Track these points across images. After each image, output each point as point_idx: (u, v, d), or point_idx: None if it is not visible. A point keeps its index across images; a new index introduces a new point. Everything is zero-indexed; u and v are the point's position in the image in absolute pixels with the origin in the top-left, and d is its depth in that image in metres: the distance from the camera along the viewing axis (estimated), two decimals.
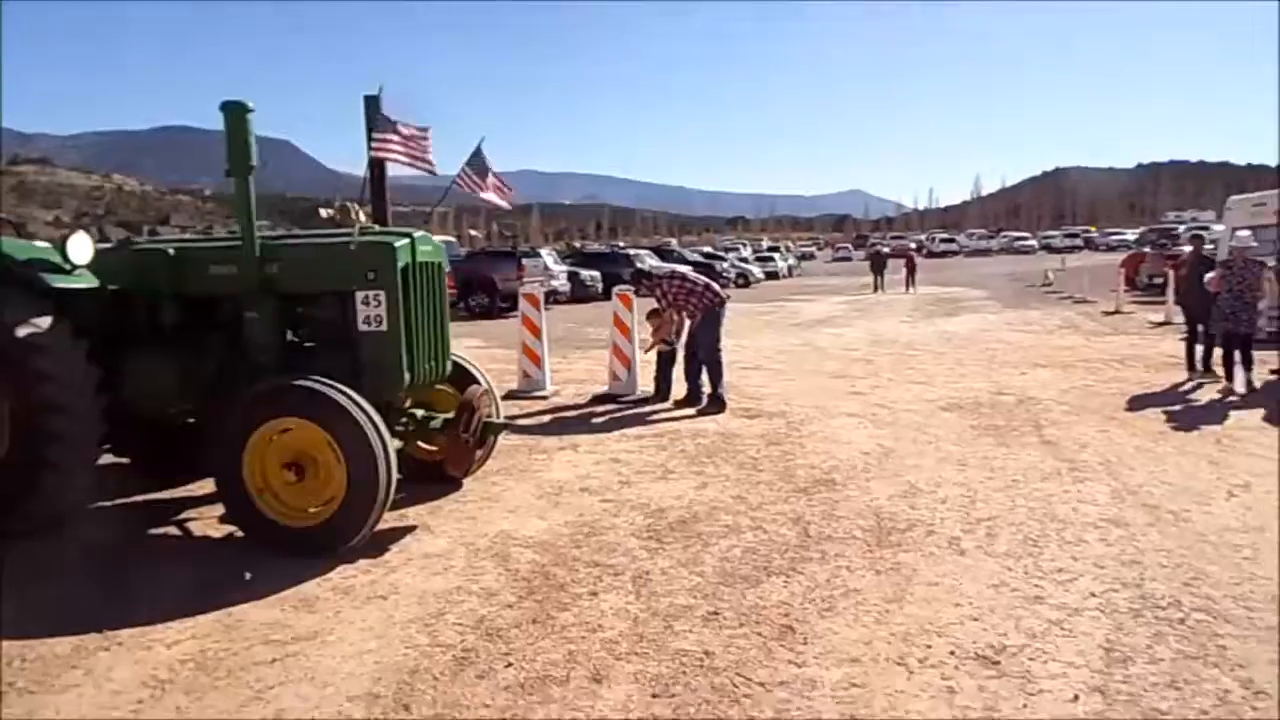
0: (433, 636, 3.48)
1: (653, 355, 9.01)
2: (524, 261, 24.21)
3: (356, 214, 5.18)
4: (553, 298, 22.37)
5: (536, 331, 9.58)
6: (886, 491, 5.52)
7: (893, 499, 5.35)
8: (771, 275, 42.33)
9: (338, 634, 3.51)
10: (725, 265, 36.17)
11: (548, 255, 28.47)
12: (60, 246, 4.75)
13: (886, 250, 36.85)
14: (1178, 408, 8.23)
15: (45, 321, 4.50)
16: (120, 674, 3.18)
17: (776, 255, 49.07)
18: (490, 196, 5.88)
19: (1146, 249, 28.33)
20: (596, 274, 28.07)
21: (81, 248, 4.76)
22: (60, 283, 4.66)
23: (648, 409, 8.58)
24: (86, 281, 4.79)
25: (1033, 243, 77.86)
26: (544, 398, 9.24)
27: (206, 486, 5.70)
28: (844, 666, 3.20)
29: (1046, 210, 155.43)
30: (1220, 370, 9.29)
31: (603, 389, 9.38)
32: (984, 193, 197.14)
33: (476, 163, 5.62)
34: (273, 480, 4.41)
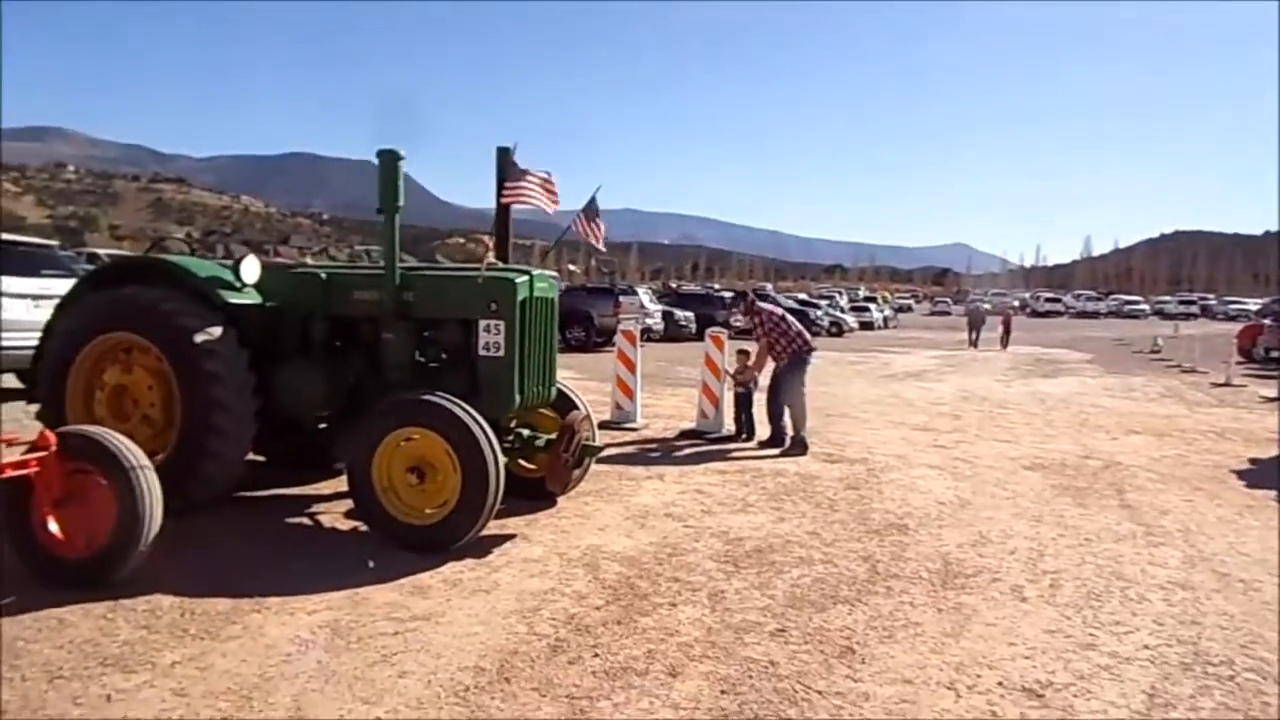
0: (530, 626, 3.96)
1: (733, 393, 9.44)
2: (621, 299, 24.96)
3: (487, 251, 5.79)
4: (646, 335, 22.97)
5: (631, 366, 10.10)
6: (957, 539, 5.76)
7: (962, 546, 5.59)
8: (866, 325, 42.15)
9: (448, 617, 4.02)
10: (819, 313, 36.24)
11: (644, 294, 29.22)
12: (234, 267, 5.52)
13: (986, 307, 36.62)
14: (1272, 484, 8.11)
15: (217, 331, 5.25)
16: (271, 632, 3.76)
17: (872, 306, 48.82)
18: (592, 239, 6.45)
19: (1266, 320, 27.18)
20: (690, 314, 28.70)
21: (251, 269, 5.52)
22: (231, 298, 5.41)
23: (732, 447, 8.96)
24: (252, 298, 5.54)
25: (1144, 307, 75.08)
26: (634, 429, 9.72)
27: (330, 486, 6.38)
28: (896, 685, 3.52)
29: (1162, 274, 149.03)
30: None
31: (690, 425, 9.81)
32: (1094, 253, 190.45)
33: (590, 208, 6.20)
34: (397, 482, 4.99)
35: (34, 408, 5.67)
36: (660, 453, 8.57)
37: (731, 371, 9.48)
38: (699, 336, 26.83)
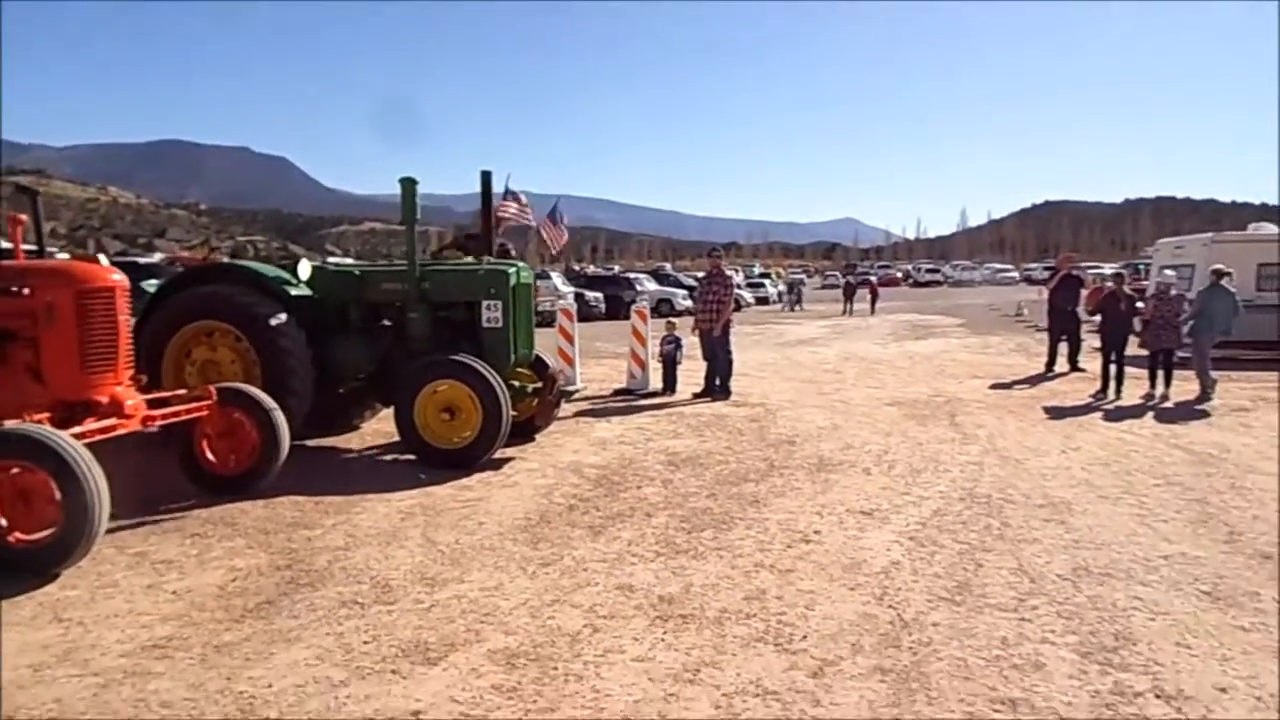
0: (549, 500, 6.00)
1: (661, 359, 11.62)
2: (537, 283, 26.77)
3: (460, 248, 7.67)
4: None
5: (569, 338, 12.08)
6: (829, 447, 8.04)
7: (832, 451, 7.87)
8: (762, 301, 45.01)
9: (493, 500, 6.01)
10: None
11: (557, 278, 31.09)
12: (291, 268, 7.28)
13: (855, 280, 41.58)
14: (1067, 407, 10.72)
15: (284, 316, 7.01)
16: (380, 510, 5.68)
17: (767, 282, 51.76)
18: (553, 237, 8.43)
19: (1108, 283, 30.99)
20: (600, 295, 30.74)
21: (304, 269, 7.31)
22: (292, 291, 7.18)
23: (658, 400, 11.09)
24: (305, 291, 7.32)
25: (1015, 274, 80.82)
26: (575, 391, 11.71)
27: (356, 438, 8.19)
28: (784, 514, 5.72)
29: (1031, 243, 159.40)
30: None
31: (621, 385, 11.90)
32: (970, 224, 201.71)
33: (553, 214, 8.19)
34: (431, 420, 6.90)
35: None
36: (603, 405, 10.64)
37: (659, 350, 11.62)
38: (608, 316, 28.97)
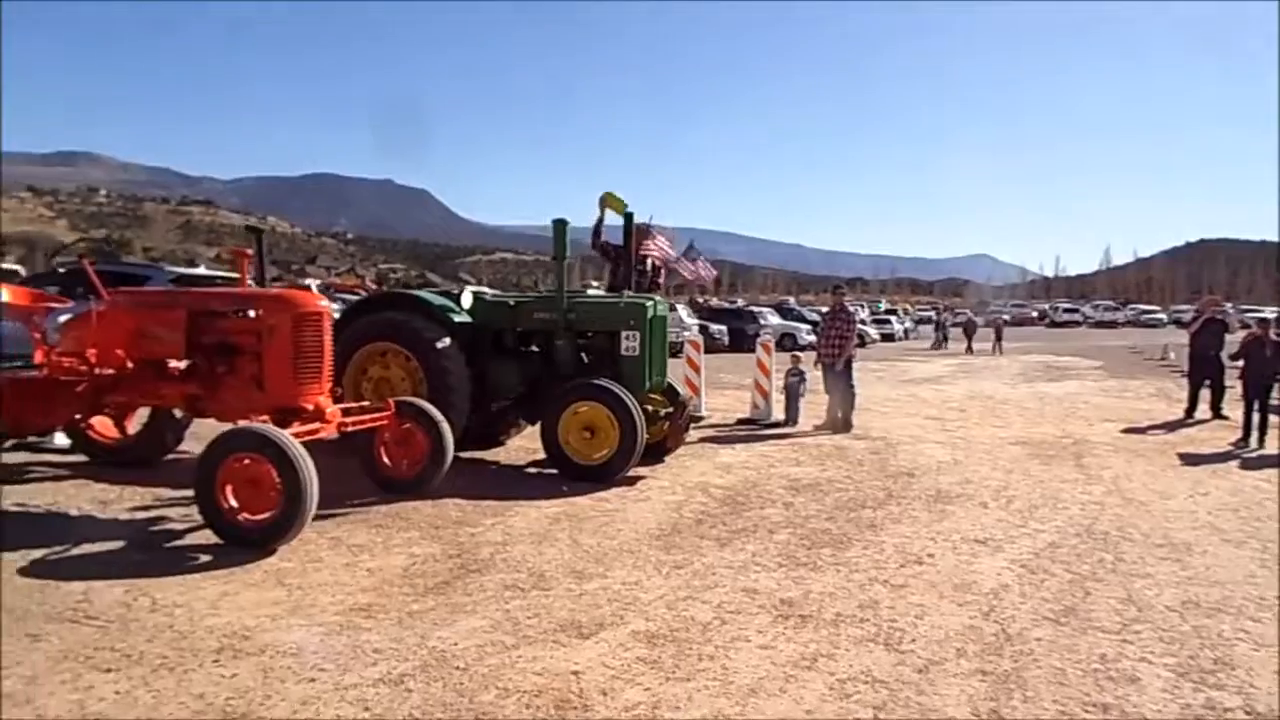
0: (679, 514, 6.57)
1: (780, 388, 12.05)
2: None
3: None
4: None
5: (696, 368, 12.67)
6: (948, 480, 8.29)
7: (951, 484, 8.12)
8: (887, 337, 44.43)
9: (628, 512, 6.62)
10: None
11: (683, 310, 31.87)
12: (455, 297, 8.20)
13: (982, 320, 40.99)
14: (1203, 454, 10.48)
15: (447, 340, 7.91)
16: (531, 514, 6.39)
17: (893, 318, 51.01)
18: (701, 275, 9.07)
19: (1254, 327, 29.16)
20: (723, 328, 31.29)
21: (467, 298, 8.21)
22: (455, 318, 8.09)
23: (781, 430, 11.52)
24: (466, 318, 8.22)
25: (1162, 316, 76.50)
26: (701, 418, 12.27)
27: (502, 454, 9.01)
28: (899, 539, 6.08)
29: (1181, 284, 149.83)
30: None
31: (744, 415, 12.38)
32: (1114, 263, 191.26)
33: (691, 253, 8.85)
34: (573, 439, 7.61)
35: None
36: (727, 434, 11.16)
37: (784, 383, 12.10)
38: (732, 348, 29.44)
